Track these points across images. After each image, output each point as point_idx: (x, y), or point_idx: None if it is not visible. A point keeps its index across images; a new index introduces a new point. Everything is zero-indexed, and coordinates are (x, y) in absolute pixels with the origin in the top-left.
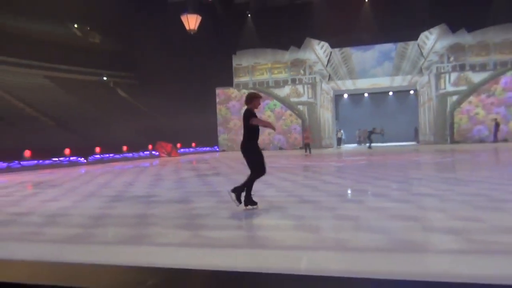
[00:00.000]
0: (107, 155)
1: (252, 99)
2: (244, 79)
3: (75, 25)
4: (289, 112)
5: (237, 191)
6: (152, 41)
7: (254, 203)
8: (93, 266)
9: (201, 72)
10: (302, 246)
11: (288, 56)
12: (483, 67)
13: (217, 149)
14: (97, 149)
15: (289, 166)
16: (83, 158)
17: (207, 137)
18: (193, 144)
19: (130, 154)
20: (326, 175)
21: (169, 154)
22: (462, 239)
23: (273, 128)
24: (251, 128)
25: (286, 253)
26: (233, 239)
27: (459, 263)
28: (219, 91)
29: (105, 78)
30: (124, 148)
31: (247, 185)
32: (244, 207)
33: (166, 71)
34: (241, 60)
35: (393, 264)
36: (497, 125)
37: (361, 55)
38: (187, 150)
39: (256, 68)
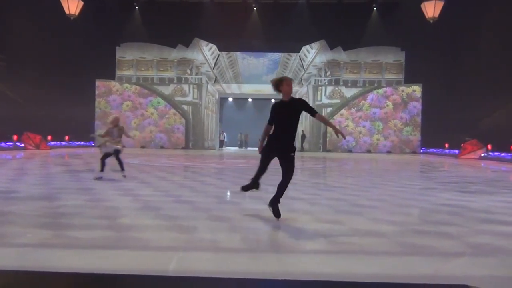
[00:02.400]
0: None
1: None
2: (128, 73)
3: None
4: (173, 111)
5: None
6: (26, 22)
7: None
8: None
9: (80, 61)
10: (174, 247)
11: (175, 54)
12: (354, 84)
13: (93, 144)
14: None
15: (170, 165)
16: None
17: (82, 131)
18: (66, 138)
19: None
20: (205, 176)
21: (37, 147)
22: (324, 241)
23: (343, 135)
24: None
25: (156, 254)
26: (102, 239)
27: (321, 263)
28: (99, 83)
29: None
30: None
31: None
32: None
33: (41, 56)
34: (126, 53)
35: (262, 264)
36: (303, 136)
37: (252, 61)
38: (58, 143)
39: (141, 62)
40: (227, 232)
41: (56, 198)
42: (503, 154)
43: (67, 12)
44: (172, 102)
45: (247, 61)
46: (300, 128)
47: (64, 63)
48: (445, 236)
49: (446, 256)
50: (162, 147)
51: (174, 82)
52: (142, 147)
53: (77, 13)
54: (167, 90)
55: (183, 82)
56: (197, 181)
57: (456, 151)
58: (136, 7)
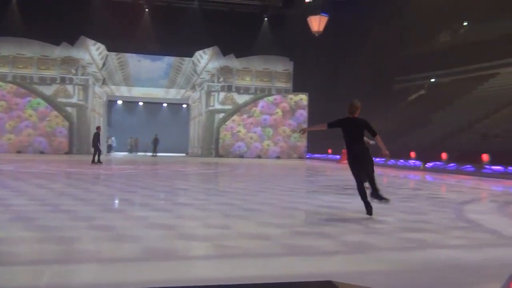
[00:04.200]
0: None
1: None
2: (3, 70)
3: None
4: (55, 113)
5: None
6: None
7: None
8: None
9: None
10: (47, 260)
11: (58, 52)
12: (246, 90)
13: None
14: None
15: (50, 172)
16: None
17: None
18: None
19: None
20: (89, 184)
21: None
22: (211, 245)
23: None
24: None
25: (26, 268)
26: None
27: (211, 268)
28: None
29: None
30: None
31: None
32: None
33: None
34: (0, 48)
35: (150, 273)
36: (156, 140)
37: (146, 64)
38: None
39: (18, 59)
40: (111, 242)
41: None
42: (377, 159)
43: None
44: (54, 104)
45: (141, 63)
46: (153, 132)
47: None
48: (323, 236)
49: (322, 254)
50: (42, 152)
51: (57, 82)
52: (18, 152)
53: None
54: (48, 90)
55: (67, 82)
56: (80, 188)
57: (338, 157)
58: None
